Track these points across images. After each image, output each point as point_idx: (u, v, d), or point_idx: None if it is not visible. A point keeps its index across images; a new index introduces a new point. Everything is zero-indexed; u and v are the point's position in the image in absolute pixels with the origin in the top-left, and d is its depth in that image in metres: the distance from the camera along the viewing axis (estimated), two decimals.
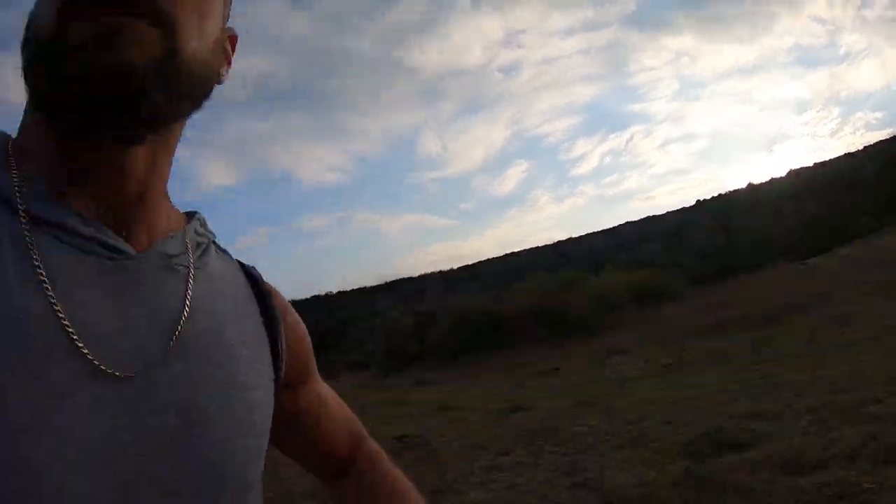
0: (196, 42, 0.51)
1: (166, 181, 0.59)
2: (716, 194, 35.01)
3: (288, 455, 0.84)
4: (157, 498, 0.48)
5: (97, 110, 0.46)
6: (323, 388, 0.87)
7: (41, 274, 0.46)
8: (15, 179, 0.49)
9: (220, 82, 0.60)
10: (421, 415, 11.61)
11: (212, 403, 0.54)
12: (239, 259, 0.74)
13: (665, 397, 7.83)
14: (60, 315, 0.46)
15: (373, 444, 0.93)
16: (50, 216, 0.48)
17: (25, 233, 0.47)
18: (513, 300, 26.90)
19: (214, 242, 0.68)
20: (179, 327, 0.53)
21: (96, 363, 0.47)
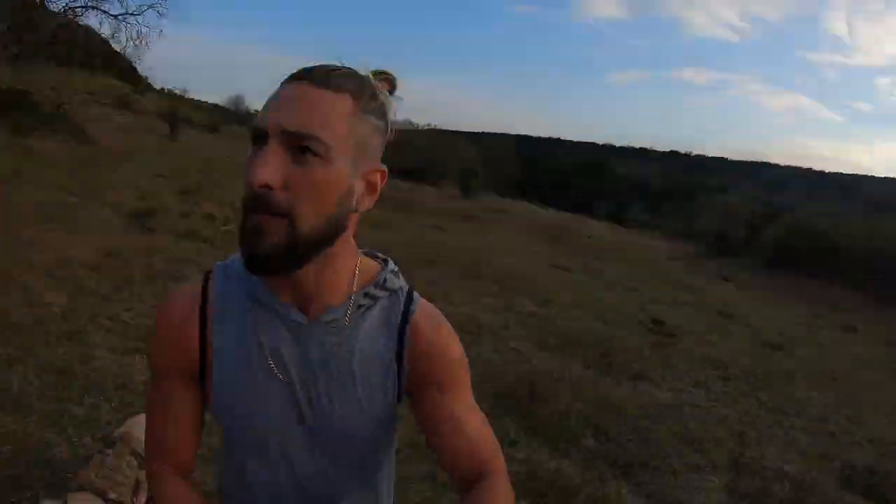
0: (313, 220, 0.81)
1: (342, 269, 0.92)
2: None
3: None
4: (309, 447, 0.95)
5: (252, 272, 0.84)
6: (455, 411, 0.98)
7: (261, 332, 0.90)
8: (256, 282, 0.91)
9: (356, 211, 0.88)
10: (694, 309, 11.71)
11: (334, 410, 0.93)
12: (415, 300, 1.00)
13: None
14: (264, 347, 0.90)
15: (498, 487, 0.97)
16: (266, 302, 0.91)
17: (257, 310, 0.91)
18: (867, 232, 23.61)
19: (389, 296, 0.98)
20: (324, 361, 0.92)
21: (280, 377, 0.91)
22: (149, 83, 30.71)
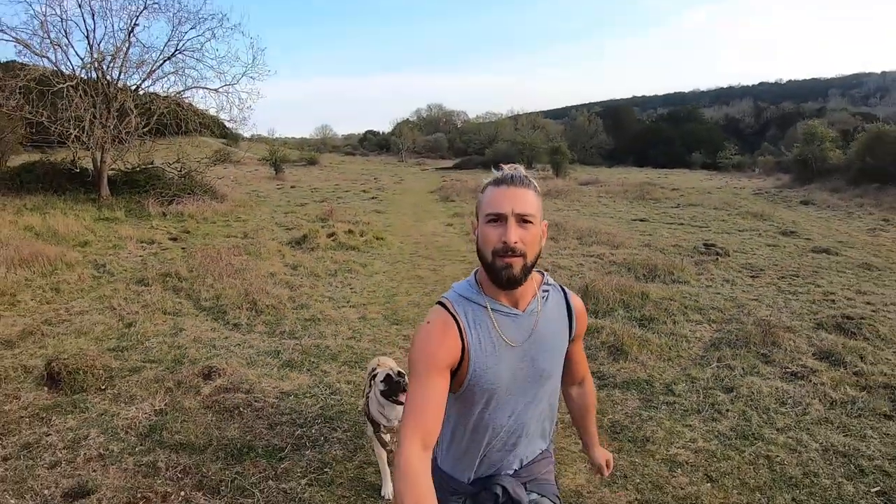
0: (532, 256, 1.63)
1: (531, 279, 1.73)
2: None
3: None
4: (524, 386, 1.78)
5: (507, 288, 1.68)
6: (580, 347, 2.01)
7: (497, 324, 1.71)
8: (481, 293, 1.74)
9: (542, 248, 1.69)
10: (756, 233, 13.44)
11: (540, 357, 1.76)
12: (563, 287, 1.89)
13: None
14: (500, 332, 1.71)
15: (589, 380, 2.13)
16: (496, 308, 1.72)
17: (491, 313, 1.71)
18: None
19: (552, 288, 1.84)
20: (531, 333, 1.74)
21: (510, 343, 1.72)
22: (240, 133, 34.63)
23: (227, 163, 29.90)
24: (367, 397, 3.51)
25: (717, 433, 4.16)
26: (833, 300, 7.54)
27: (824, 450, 3.95)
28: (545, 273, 1.86)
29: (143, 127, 17.06)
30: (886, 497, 3.47)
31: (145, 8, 16.73)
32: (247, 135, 35.81)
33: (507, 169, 1.66)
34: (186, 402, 4.50)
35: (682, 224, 14.90)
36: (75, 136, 15.44)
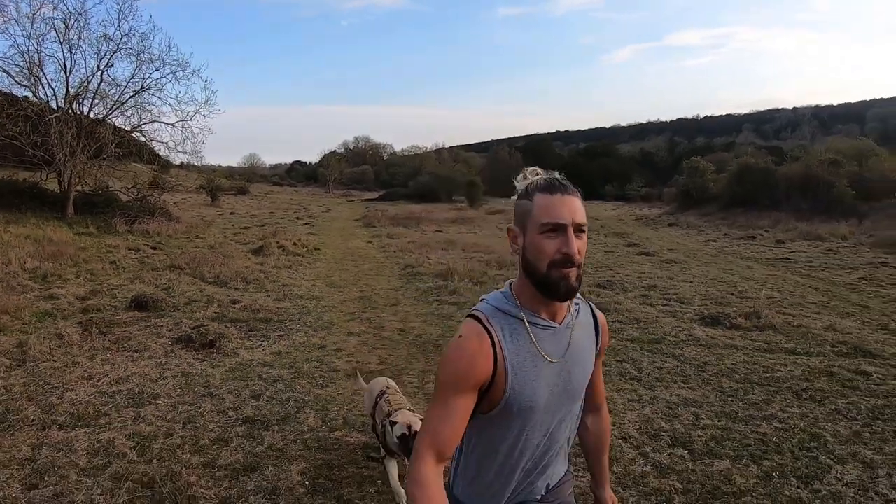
0: (582, 265, 1.65)
1: None
2: None
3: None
4: (559, 403, 1.79)
5: (565, 300, 1.68)
6: (600, 366, 2.01)
7: (535, 338, 1.70)
8: (518, 305, 1.71)
9: None
10: (605, 245, 18.52)
11: (574, 372, 1.79)
12: (590, 302, 1.93)
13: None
14: (538, 346, 1.69)
15: (606, 408, 2.14)
16: (534, 321, 1.71)
17: (530, 326, 1.70)
18: (812, 162, 28.72)
19: (581, 301, 1.86)
20: (568, 347, 1.75)
21: (548, 359, 1.71)
22: (168, 161, 37.83)
23: (165, 190, 33.84)
24: (384, 428, 4.00)
25: None
26: (614, 275, 12.64)
27: None
28: None
29: (103, 154, 20.41)
30: None
31: (118, 50, 20.55)
32: (176, 162, 38.98)
33: (542, 173, 1.73)
34: (230, 308, 9.10)
35: None
36: (59, 159, 18.92)
